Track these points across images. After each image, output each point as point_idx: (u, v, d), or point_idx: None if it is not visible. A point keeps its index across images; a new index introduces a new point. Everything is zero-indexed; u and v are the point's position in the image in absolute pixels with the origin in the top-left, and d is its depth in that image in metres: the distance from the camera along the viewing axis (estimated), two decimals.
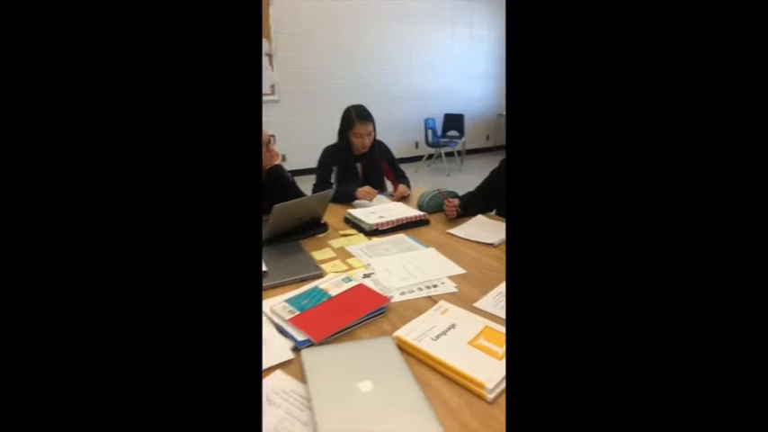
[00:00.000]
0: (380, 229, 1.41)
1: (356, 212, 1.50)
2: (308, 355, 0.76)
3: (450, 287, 1.06)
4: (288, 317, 0.87)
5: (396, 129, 5.41)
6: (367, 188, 1.69)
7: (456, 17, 5.38)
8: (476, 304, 0.98)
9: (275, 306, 0.91)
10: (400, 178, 1.96)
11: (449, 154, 5.59)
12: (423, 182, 4.80)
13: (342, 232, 1.42)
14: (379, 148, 1.92)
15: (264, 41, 4.21)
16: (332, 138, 1.87)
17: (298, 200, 1.33)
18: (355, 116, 1.75)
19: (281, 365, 0.76)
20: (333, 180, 1.86)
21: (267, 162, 1.49)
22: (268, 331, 0.85)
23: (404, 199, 1.79)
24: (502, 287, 1.05)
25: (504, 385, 0.71)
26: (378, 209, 1.55)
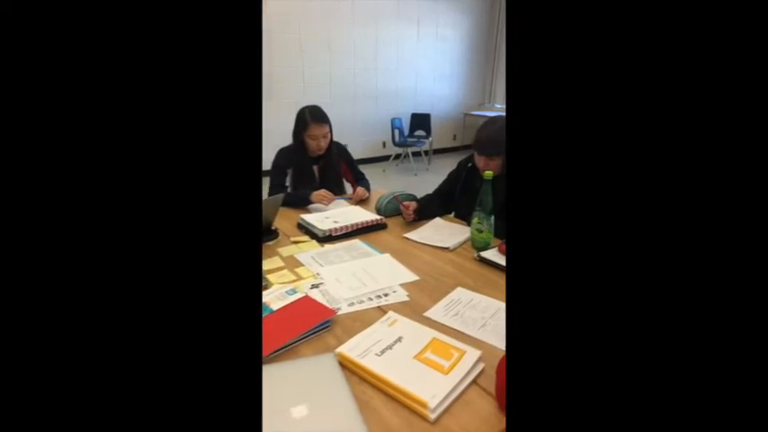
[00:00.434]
0: (334, 234, 1.35)
1: (309, 218, 1.44)
2: None
3: (402, 296, 1.02)
4: None
5: (363, 128, 5.36)
6: (322, 191, 1.63)
7: (421, 16, 5.38)
8: (426, 314, 0.94)
9: None
10: (360, 180, 1.90)
11: (416, 154, 5.59)
12: (391, 182, 4.78)
13: (293, 239, 1.36)
14: (337, 150, 1.86)
15: None
16: (291, 139, 1.80)
17: None
18: (310, 117, 1.69)
19: None
20: (288, 183, 1.79)
21: None
22: None
23: (363, 202, 1.74)
24: (454, 294, 1.03)
25: (447, 403, 0.68)
26: (333, 213, 1.50)
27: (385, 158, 5.53)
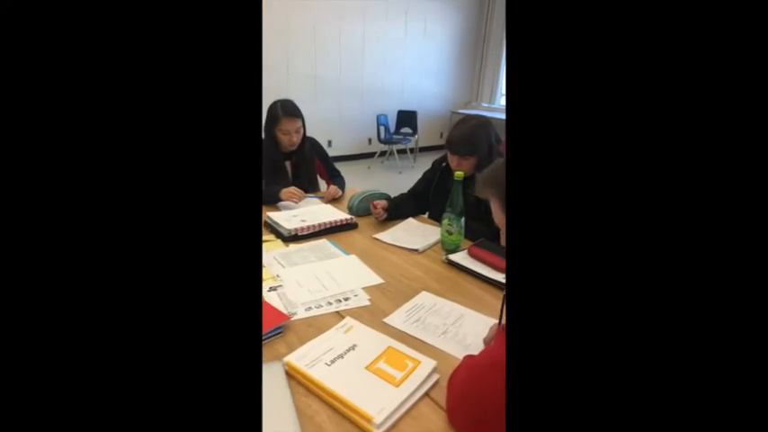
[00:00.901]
0: (300, 234, 1.31)
1: (276, 216, 1.39)
2: None
3: (363, 300, 0.98)
4: None
5: (348, 125, 5.29)
6: (292, 189, 1.57)
7: (409, 12, 5.32)
8: (386, 320, 0.90)
9: None
10: (334, 177, 1.85)
11: (402, 151, 5.54)
12: (375, 179, 4.73)
13: None
14: (311, 145, 1.80)
15: None
16: None
17: None
18: (281, 112, 1.63)
19: None
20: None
21: None
22: None
23: (336, 200, 1.69)
24: (417, 299, 0.99)
25: (395, 418, 0.64)
26: (301, 212, 1.45)
27: (370, 155, 5.48)
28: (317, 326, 0.87)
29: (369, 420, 0.62)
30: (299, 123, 1.66)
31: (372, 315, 0.92)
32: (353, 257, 1.20)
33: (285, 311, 0.90)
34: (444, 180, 1.50)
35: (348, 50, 5.00)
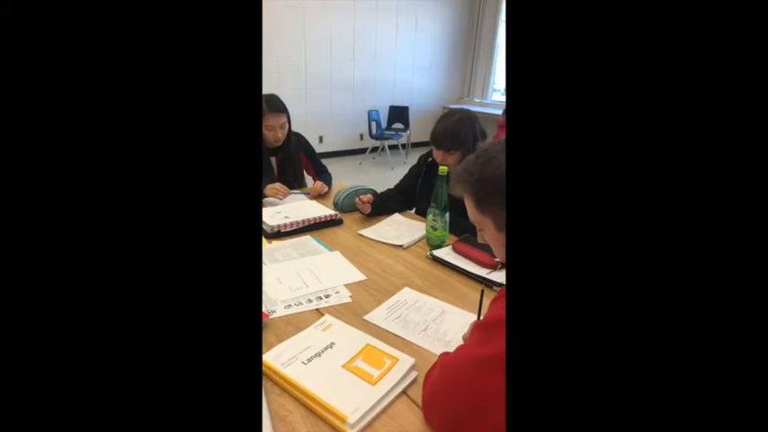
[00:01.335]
0: (283, 230, 1.29)
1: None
2: None
3: (345, 297, 0.97)
4: None
5: (340, 120, 5.26)
6: (277, 185, 1.55)
7: (400, 7, 5.28)
8: (366, 317, 0.89)
9: None
10: (321, 173, 1.83)
11: (393, 147, 5.52)
12: (367, 175, 4.71)
13: None
14: (297, 141, 1.78)
15: None
16: None
17: None
18: (266, 107, 1.60)
19: None
20: None
21: None
22: None
23: (323, 196, 1.68)
24: (399, 295, 0.98)
25: (370, 417, 0.63)
26: (285, 208, 1.43)
27: (362, 151, 5.45)
28: (296, 324, 0.85)
29: (342, 420, 0.61)
30: (284, 119, 1.64)
31: (353, 312, 0.91)
32: (337, 254, 1.18)
33: (264, 309, 0.88)
34: (431, 175, 1.48)
35: (339, 46, 4.96)
